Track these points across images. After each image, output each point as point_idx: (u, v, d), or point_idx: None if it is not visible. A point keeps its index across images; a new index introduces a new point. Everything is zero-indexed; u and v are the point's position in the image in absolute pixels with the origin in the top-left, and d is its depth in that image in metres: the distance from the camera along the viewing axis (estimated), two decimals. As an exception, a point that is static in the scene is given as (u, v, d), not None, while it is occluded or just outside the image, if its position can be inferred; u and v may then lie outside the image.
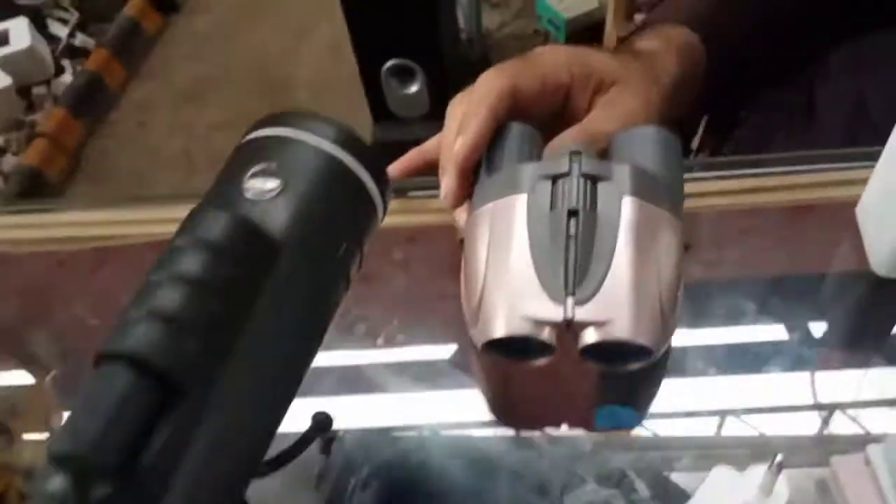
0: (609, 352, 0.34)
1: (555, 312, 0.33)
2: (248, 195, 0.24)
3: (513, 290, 0.34)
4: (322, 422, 0.28)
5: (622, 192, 0.36)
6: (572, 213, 0.35)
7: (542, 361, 0.35)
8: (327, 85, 2.30)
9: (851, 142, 0.63)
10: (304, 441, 0.27)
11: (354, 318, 0.46)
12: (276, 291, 0.23)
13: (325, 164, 0.26)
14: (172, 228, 0.51)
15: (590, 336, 0.33)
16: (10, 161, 2.17)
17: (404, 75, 1.53)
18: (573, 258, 0.34)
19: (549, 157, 0.42)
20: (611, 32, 1.31)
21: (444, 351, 0.47)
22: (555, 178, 0.36)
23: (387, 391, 0.44)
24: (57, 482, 0.19)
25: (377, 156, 0.27)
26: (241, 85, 2.38)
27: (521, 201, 0.36)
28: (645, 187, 0.36)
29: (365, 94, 1.57)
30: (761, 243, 0.50)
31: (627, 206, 0.35)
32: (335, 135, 0.27)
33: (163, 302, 0.20)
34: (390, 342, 0.45)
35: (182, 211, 0.51)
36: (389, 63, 1.49)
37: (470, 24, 1.95)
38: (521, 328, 0.33)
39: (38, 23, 2.39)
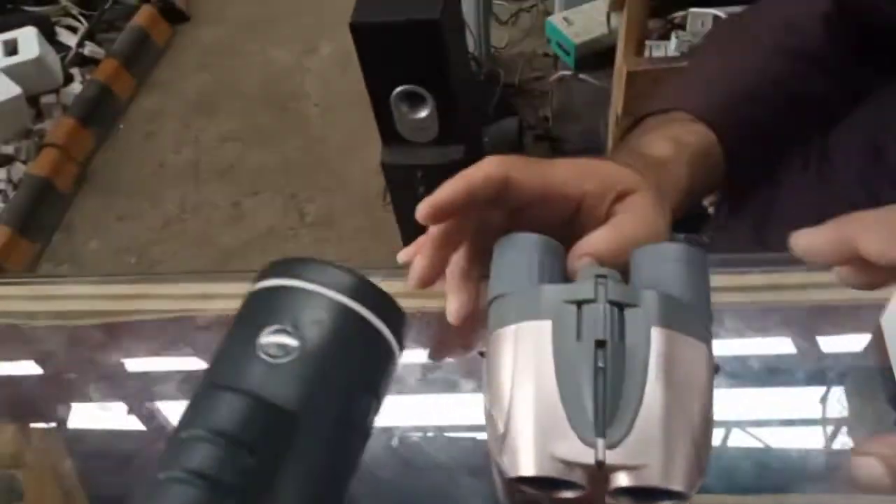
0: (641, 492, 0.33)
1: (585, 455, 0.32)
2: (264, 356, 0.24)
3: (541, 426, 0.33)
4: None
5: (651, 322, 0.34)
6: (600, 344, 0.34)
7: (570, 495, 0.34)
8: (336, 99, 2.30)
9: (866, 190, 0.63)
10: None
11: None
12: (296, 460, 0.23)
13: (341, 318, 0.26)
14: (184, 304, 0.51)
15: (622, 480, 0.32)
16: (19, 170, 2.18)
17: (413, 100, 1.53)
18: (602, 394, 0.33)
19: (578, 258, 0.41)
20: (621, 65, 1.31)
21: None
22: (580, 304, 0.35)
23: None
24: None
25: (392, 302, 0.27)
26: (249, 97, 2.39)
27: (545, 328, 0.35)
28: (674, 316, 0.35)
29: (374, 117, 1.57)
30: (779, 343, 0.49)
31: (657, 337, 0.34)
32: (350, 286, 0.27)
33: (180, 501, 0.20)
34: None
35: (194, 287, 0.51)
36: (398, 89, 1.49)
37: (479, 45, 1.95)
38: (551, 469, 0.32)
39: (47, 32, 2.40)
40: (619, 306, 0.35)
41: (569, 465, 0.32)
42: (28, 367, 0.51)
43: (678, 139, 0.53)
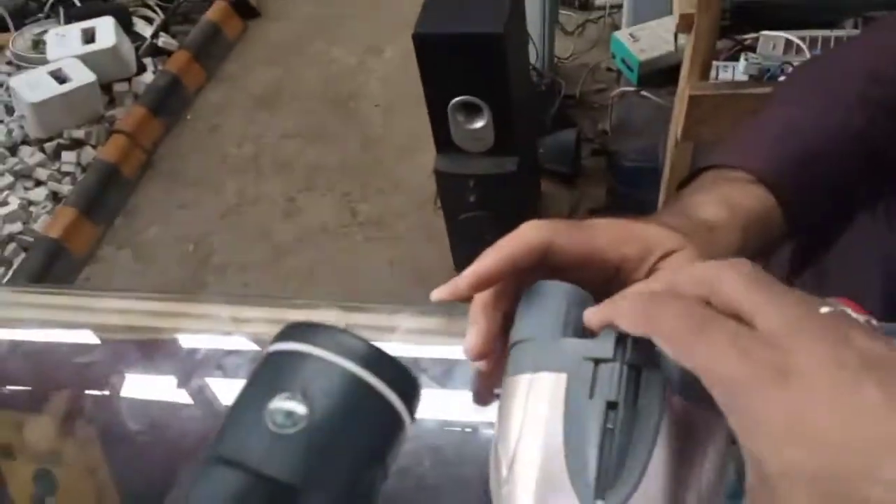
0: None
1: None
2: (271, 426, 0.25)
3: (542, 479, 0.33)
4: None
5: (666, 388, 0.34)
6: (612, 405, 0.34)
7: None
8: (396, 101, 2.32)
9: None
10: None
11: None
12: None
13: (352, 389, 0.26)
14: (219, 326, 0.52)
15: None
16: (88, 153, 2.26)
17: (471, 110, 1.53)
18: (606, 457, 0.33)
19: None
20: (685, 87, 1.28)
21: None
22: (597, 361, 0.35)
23: None
24: None
25: (406, 372, 0.28)
26: (311, 95, 2.43)
27: (560, 382, 0.35)
28: (691, 384, 0.33)
29: (430, 125, 1.58)
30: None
31: (671, 405, 0.34)
32: (363, 355, 0.27)
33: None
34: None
35: (236, 311, 0.52)
36: (456, 99, 1.50)
37: (542, 57, 1.94)
38: None
39: (124, 22, 2.48)
40: (637, 369, 0.34)
41: None
42: (70, 371, 0.53)
43: (733, 203, 0.51)
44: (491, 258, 0.40)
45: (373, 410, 0.27)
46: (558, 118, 2.00)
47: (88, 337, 0.53)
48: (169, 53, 2.53)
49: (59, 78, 2.22)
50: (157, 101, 2.38)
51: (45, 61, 2.30)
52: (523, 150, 1.65)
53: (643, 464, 0.32)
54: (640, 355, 0.35)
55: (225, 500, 0.22)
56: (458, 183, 1.64)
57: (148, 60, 2.51)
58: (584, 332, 0.39)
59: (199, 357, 0.51)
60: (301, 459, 0.24)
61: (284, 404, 0.26)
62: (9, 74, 2.39)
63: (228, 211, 2.16)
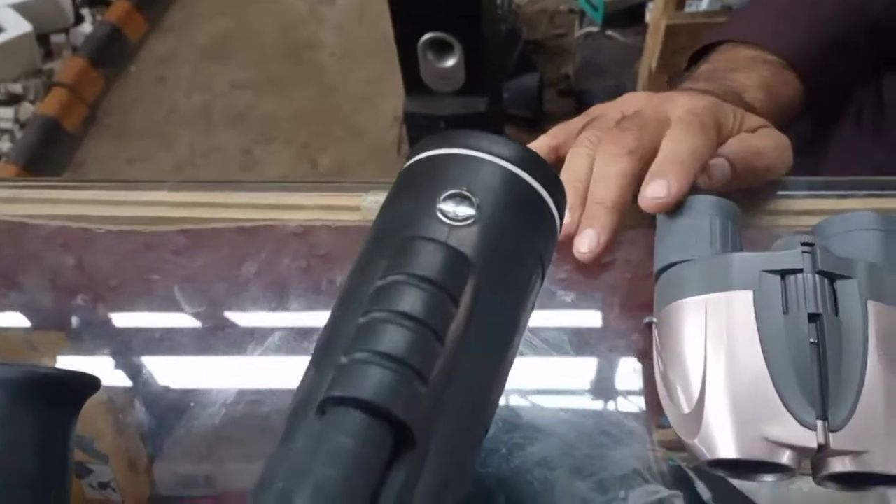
0: (854, 477, 0.31)
1: (805, 438, 0.30)
2: (445, 220, 0.23)
3: (748, 405, 0.31)
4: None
5: (865, 294, 0.32)
6: (813, 318, 0.31)
7: (772, 479, 0.32)
8: (353, 50, 2.26)
9: None
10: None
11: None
12: (476, 326, 0.22)
13: (515, 188, 0.25)
14: (263, 214, 0.50)
15: (840, 465, 0.30)
16: (27, 109, 2.14)
17: (441, 49, 1.50)
18: (820, 373, 0.30)
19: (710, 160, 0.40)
20: (659, 18, 1.28)
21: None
22: (784, 274, 0.32)
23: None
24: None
25: (556, 175, 0.26)
26: (264, 45, 2.35)
27: (746, 300, 0.32)
28: (887, 288, 0.32)
29: (399, 65, 1.55)
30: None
31: (874, 311, 0.31)
32: (519, 156, 0.26)
33: (392, 344, 0.19)
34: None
35: (273, 198, 0.50)
36: (427, 36, 1.47)
37: (502, 2, 1.91)
38: (759, 451, 0.30)
39: (59, -31, 2.34)
40: (831, 277, 0.32)
41: (780, 447, 0.30)
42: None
43: (772, 91, 0.51)
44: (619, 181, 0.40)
45: (533, 209, 0.25)
46: (519, 64, 1.99)
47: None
48: (107, 3, 2.41)
49: (-8, 28, 2.09)
50: (97, 52, 2.26)
51: (-26, 10, 2.16)
52: (492, 92, 1.64)
53: (859, 377, 0.30)
54: (833, 264, 0.32)
55: (436, 277, 0.21)
56: (428, 124, 1.61)
57: (86, 10, 2.38)
58: (740, 247, 0.37)
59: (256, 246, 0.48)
60: (477, 248, 0.23)
61: (452, 203, 0.24)
62: (-66, 25, 2.24)
63: (181, 164, 2.08)
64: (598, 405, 0.42)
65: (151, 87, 2.29)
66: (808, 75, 0.55)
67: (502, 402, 0.35)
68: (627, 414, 0.41)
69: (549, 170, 0.26)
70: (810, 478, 0.36)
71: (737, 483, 0.41)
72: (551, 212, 0.26)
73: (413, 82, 1.57)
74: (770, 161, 0.42)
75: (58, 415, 0.29)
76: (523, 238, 0.25)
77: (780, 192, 0.46)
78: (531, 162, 0.26)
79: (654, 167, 0.39)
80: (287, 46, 2.34)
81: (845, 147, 0.67)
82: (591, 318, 0.45)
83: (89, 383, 0.31)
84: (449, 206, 0.24)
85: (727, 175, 0.40)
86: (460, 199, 0.24)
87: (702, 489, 0.39)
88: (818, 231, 0.38)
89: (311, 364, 0.22)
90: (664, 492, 0.38)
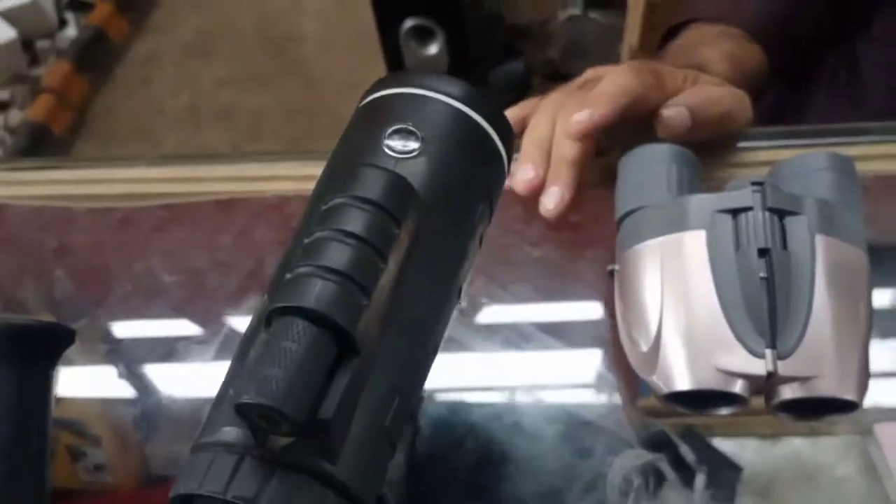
0: (806, 404, 0.32)
1: (754, 366, 0.31)
2: (391, 153, 0.24)
3: (700, 338, 0.32)
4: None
5: (814, 229, 0.33)
6: (762, 253, 0.32)
7: (727, 412, 0.33)
8: (334, 40, 2.27)
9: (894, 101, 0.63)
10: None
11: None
12: (423, 251, 0.23)
13: (460, 124, 0.26)
14: (237, 186, 0.50)
15: (790, 392, 0.31)
16: (15, 116, 2.15)
17: (424, 36, 1.51)
18: (769, 304, 0.31)
19: (665, 109, 0.41)
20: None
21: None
22: (735, 212, 0.33)
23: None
24: (233, 433, 0.20)
25: (503, 115, 0.27)
26: (245, 39, 2.35)
27: (698, 238, 0.33)
28: (835, 223, 0.33)
29: (382, 52, 1.55)
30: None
31: (822, 244, 0.33)
32: (465, 94, 0.27)
33: (334, 259, 0.20)
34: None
35: (249, 170, 0.50)
36: (409, 23, 1.47)
37: (484, -14, 1.92)
38: (712, 381, 0.31)
39: (41, -26, 2.34)
40: (780, 214, 0.33)
41: (732, 377, 0.31)
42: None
43: (737, 62, 0.52)
44: (605, 108, 0.41)
45: (479, 146, 0.27)
46: (503, 50, 1.99)
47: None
48: (90, 6, 2.41)
49: (-24, 35, 2.09)
50: (82, 56, 2.27)
51: (-42, 18, 2.16)
52: (477, 78, 1.65)
53: (807, 307, 0.31)
54: (782, 201, 0.33)
55: (379, 198, 0.22)
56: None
57: (69, 14, 2.38)
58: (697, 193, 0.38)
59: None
60: (422, 180, 0.24)
61: (398, 138, 0.25)
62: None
63: (171, 164, 2.09)
64: (579, 371, 0.43)
65: (137, 89, 2.30)
66: (772, 46, 0.56)
67: (481, 368, 0.36)
68: (608, 380, 0.42)
69: (494, 106, 0.27)
70: (794, 439, 0.37)
71: (718, 445, 0.42)
72: (496, 146, 0.27)
73: (396, 70, 1.57)
74: (727, 107, 0.44)
75: (34, 367, 0.30)
76: (468, 169, 0.26)
77: (739, 145, 0.47)
78: (476, 99, 0.26)
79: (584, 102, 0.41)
80: (268, 39, 2.34)
81: (822, 114, 0.68)
82: (563, 273, 0.46)
83: (64, 334, 0.32)
84: (395, 142, 0.25)
85: (686, 122, 0.41)
86: (406, 133, 0.25)
87: (686, 452, 0.40)
88: (775, 173, 0.39)
89: (264, 293, 0.23)
90: (648, 455, 0.39)
